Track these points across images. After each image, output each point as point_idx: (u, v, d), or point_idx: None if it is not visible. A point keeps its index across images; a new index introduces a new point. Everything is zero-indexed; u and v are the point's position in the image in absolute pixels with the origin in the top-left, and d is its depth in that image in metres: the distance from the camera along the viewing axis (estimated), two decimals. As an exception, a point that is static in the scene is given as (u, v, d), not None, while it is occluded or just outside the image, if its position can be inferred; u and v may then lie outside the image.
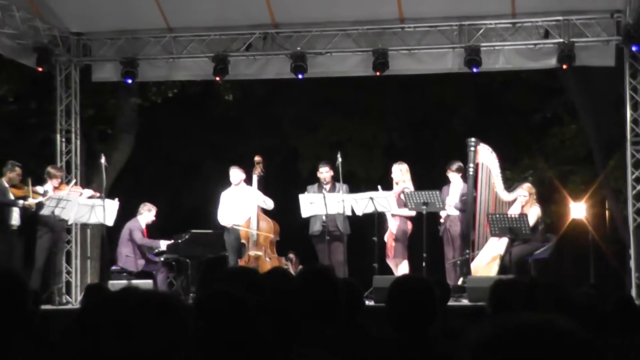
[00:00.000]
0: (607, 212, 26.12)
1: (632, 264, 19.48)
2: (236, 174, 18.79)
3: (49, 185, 17.93)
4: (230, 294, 4.36)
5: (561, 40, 20.18)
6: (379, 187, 18.43)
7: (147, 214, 18.68)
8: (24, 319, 4.73)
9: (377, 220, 18.34)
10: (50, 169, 18.31)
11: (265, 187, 18.76)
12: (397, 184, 18.36)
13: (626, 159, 20.44)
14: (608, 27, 20.15)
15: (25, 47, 20.96)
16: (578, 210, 22.24)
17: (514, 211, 17.57)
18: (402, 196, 18.12)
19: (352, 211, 18.18)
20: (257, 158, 18.78)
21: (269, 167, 19.24)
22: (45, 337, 6.78)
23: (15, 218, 17.46)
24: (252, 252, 18.06)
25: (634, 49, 19.62)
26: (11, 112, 25.55)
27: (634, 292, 17.78)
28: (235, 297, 4.37)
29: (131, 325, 2.88)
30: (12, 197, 17.50)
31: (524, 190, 17.78)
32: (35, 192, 17.63)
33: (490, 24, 20.33)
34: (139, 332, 2.85)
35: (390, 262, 18.25)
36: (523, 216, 17.30)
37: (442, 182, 18.42)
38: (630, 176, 20.10)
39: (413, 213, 18.24)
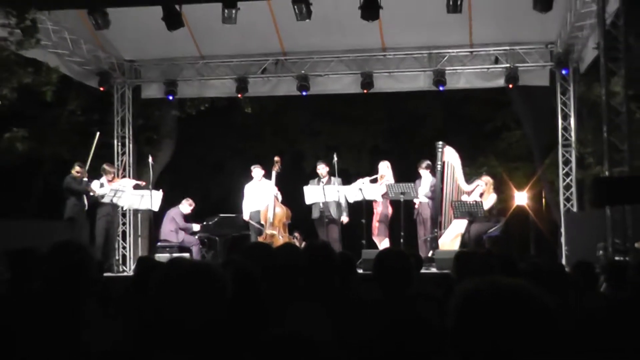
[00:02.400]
0: (543, 199, 26.12)
1: (562, 239, 19.82)
2: (258, 171, 18.88)
3: (104, 179, 18.00)
4: (237, 266, 4.36)
5: (508, 65, 20.35)
6: (366, 180, 18.62)
7: (186, 206, 18.77)
8: (91, 284, 4.73)
9: (364, 206, 18.38)
10: (105, 166, 18.38)
11: (277, 181, 18.79)
12: (381, 177, 18.38)
13: (558, 158, 20.76)
14: (544, 55, 20.41)
15: (90, 72, 21.13)
16: (521, 197, 22.27)
17: (472, 199, 17.63)
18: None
19: (345, 199, 18.25)
20: (276, 158, 18.86)
21: (284, 166, 19.26)
22: (108, 297, 6.77)
23: (85, 204, 17.54)
24: (268, 231, 18.16)
25: (563, 72, 20.13)
26: (79, 122, 25.53)
27: (563, 261, 17.84)
28: (241, 266, 4.37)
29: (178, 285, 2.88)
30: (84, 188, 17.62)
31: (483, 182, 17.85)
32: (94, 184, 17.74)
33: (453, 52, 20.43)
34: (183, 291, 2.86)
35: (375, 239, 18.27)
36: (478, 202, 17.38)
37: (415, 177, 18.44)
38: (561, 171, 20.63)
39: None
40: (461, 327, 2.29)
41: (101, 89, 21.60)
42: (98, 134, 18.54)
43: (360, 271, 12.03)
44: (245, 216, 18.83)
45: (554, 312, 2.29)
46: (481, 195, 17.69)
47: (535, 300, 2.27)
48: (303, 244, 18.15)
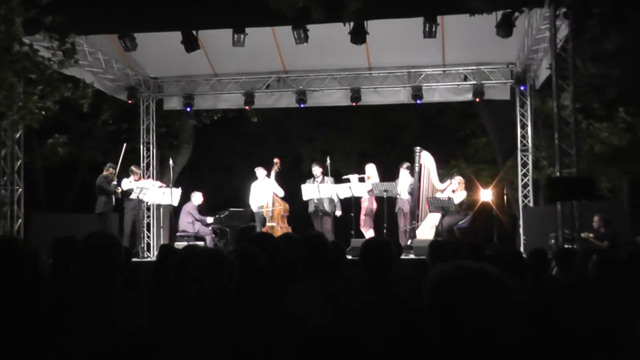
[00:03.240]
0: (505, 196, 26.05)
1: (521, 230, 19.96)
2: (261, 171, 18.89)
3: (131, 178, 18.05)
4: (244, 252, 4.34)
5: (475, 82, 20.39)
6: (353, 178, 18.64)
7: (198, 197, 18.78)
8: (120, 268, 4.72)
9: (353, 202, 18.40)
10: (132, 167, 18.47)
11: (280, 180, 18.81)
12: (368, 178, 18.40)
13: (517, 161, 20.85)
14: (505, 74, 20.46)
15: (120, 87, 21.17)
16: (486, 194, 22.18)
17: (445, 195, 17.67)
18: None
19: (337, 195, 18.26)
20: (275, 160, 18.99)
21: (282, 167, 19.27)
22: (134, 279, 6.76)
23: (113, 201, 17.58)
24: (269, 224, 18.22)
25: (521, 88, 20.25)
26: (111, 130, 25.58)
27: (522, 249, 17.96)
28: (247, 253, 4.35)
29: (192, 268, 2.88)
30: (113, 187, 17.65)
31: (455, 181, 17.92)
32: (123, 183, 17.81)
33: (428, 71, 20.45)
34: (197, 273, 2.85)
35: (362, 230, 18.31)
36: (450, 199, 17.48)
37: (396, 176, 18.45)
38: (520, 172, 20.81)
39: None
40: (434, 304, 2.31)
41: (129, 101, 21.69)
42: (125, 145, 18.53)
43: (349, 257, 12.03)
44: (255, 207, 18.85)
45: (511, 291, 2.30)
46: (453, 192, 17.73)
47: (496, 280, 2.30)
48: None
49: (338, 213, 18.59)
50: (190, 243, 16.55)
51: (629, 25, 15.06)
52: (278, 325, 3.47)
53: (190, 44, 17.42)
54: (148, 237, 21.41)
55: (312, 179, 18.77)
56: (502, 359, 2.25)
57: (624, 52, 17.85)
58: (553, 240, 15.78)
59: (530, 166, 20.45)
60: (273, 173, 18.77)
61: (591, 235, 15.75)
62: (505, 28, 16.02)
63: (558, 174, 15.95)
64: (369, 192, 18.34)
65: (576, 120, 16.19)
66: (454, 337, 2.26)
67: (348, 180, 18.58)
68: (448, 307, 2.28)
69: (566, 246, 14.36)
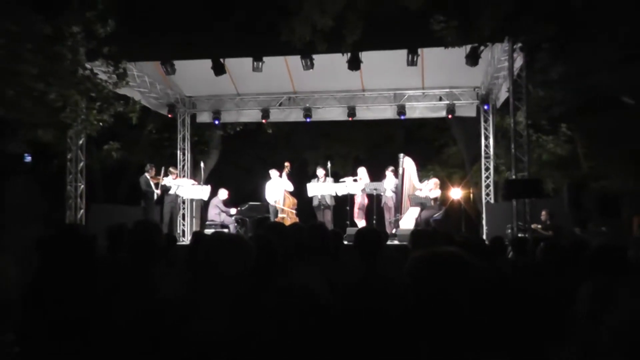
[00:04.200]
0: (471, 194, 25.98)
1: (484, 222, 19.86)
2: (274, 172, 18.85)
3: (170, 177, 18.03)
4: (261, 237, 4.35)
5: (448, 102, 20.33)
6: (349, 179, 18.63)
7: (223, 193, 18.76)
8: (160, 249, 4.72)
9: (349, 198, 18.40)
10: (170, 169, 18.46)
11: (290, 180, 18.80)
12: (360, 179, 18.39)
13: (481, 166, 20.76)
14: (472, 95, 20.40)
15: (162, 104, 21.17)
16: (456, 193, 22.14)
17: (423, 193, 17.64)
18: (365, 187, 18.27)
19: (336, 192, 18.25)
20: (286, 163, 18.96)
21: (292, 169, 19.25)
22: (173, 261, 6.76)
23: (153, 197, 17.58)
24: (280, 215, 18.21)
25: (485, 107, 20.10)
26: (154, 139, 25.61)
27: (484, 236, 17.95)
28: (263, 238, 4.36)
29: (218, 249, 2.88)
30: (152, 185, 17.63)
31: (432, 182, 17.89)
32: (157, 178, 17.78)
33: (411, 92, 20.39)
34: (223, 253, 2.85)
35: (355, 220, 18.30)
36: (427, 196, 17.43)
37: (383, 177, 18.45)
38: (483, 175, 20.69)
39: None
40: (414, 282, 2.31)
41: (169, 115, 21.70)
42: (163, 168, 18.51)
43: (345, 242, 12.06)
44: (270, 201, 18.84)
45: (473, 268, 2.31)
46: (430, 191, 17.70)
47: (462, 260, 2.31)
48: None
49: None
50: (217, 230, 16.56)
51: (570, 58, 15.09)
52: (287, 294, 3.46)
53: (218, 69, 17.47)
54: (183, 225, 21.37)
55: (316, 179, 18.72)
56: (466, 321, 2.26)
57: (566, 79, 17.84)
58: (509, 230, 15.78)
59: (491, 170, 20.42)
60: (284, 174, 18.72)
61: (539, 226, 15.75)
62: (472, 59, 16.04)
63: (513, 176, 15.96)
64: (361, 190, 18.33)
65: (528, 133, 16.18)
66: (429, 305, 2.27)
67: (344, 181, 18.60)
68: (425, 283, 2.29)
69: (519, 235, 14.39)
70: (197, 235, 7.84)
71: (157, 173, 17.96)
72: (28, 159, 21.12)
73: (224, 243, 2.96)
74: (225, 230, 17.33)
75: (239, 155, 29.25)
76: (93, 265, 3.41)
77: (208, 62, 17.34)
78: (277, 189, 18.69)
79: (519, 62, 15.53)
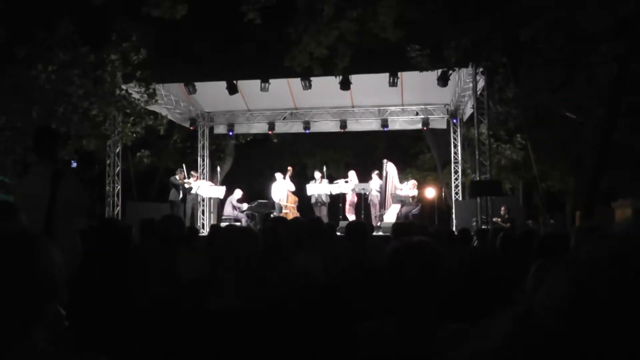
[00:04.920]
0: (443, 193, 26.03)
1: (453, 216, 19.78)
2: (279, 175, 18.81)
3: (192, 179, 17.96)
4: (267, 229, 4.37)
5: (423, 116, 20.33)
6: (341, 181, 18.64)
7: (238, 193, 18.71)
8: (184, 239, 4.75)
9: (341, 197, 18.41)
10: (192, 172, 18.34)
11: (293, 181, 18.76)
12: (350, 180, 18.39)
13: (451, 170, 20.73)
14: (443, 111, 20.41)
15: (185, 118, 21.14)
16: (430, 192, 22.19)
17: (403, 193, 17.61)
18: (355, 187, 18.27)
19: (330, 192, 18.27)
20: (289, 167, 18.93)
21: (294, 172, 19.26)
22: (195, 248, 6.77)
23: (180, 195, 17.49)
24: (284, 211, 18.17)
25: (454, 121, 20.12)
26: (179, 147, 25.67)
27: (454, 228, 17.86)
28: (270, 229, 4.37)
29: (233, 237, 2.91)
30: (179, 185, 17.61)
31: (410, 183, 17.85)
32: (188, 182, 17.68)
33: (392, 108, 20.40)
34: (234, 241, 2.87)
35: (347, 215, 18.26)
36: (407, 195, 17.38)
37: (370, 179, 18.45)
38: (453, 177, 20.62)
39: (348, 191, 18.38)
40: (391, 265, 2.34)
41: (191, 128, 21.66)
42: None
43: (338, 234, 12.06)
44: (276, 199, 18.80)
45: (441, 255, 2.34)
46: (409, 190, 17.69)
47: (432, 248, 2.33)
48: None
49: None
50: (231, 223, 16.56)
51: (522, 81, 15.15)
52: (289, 275, 3.49)
53: (232, 89, 17.51)
54: (202, 219, 21.35)
55: (314, 181, 18.72)
56: (434, 300, 2.29)
57: (519, 98, 17.92)
58: (474, 223, 15.80)
59: (459, 173, 20.41)
60: (287, 176, 18.69)
61: (499, 219, 15.76)
62: (443, 81, 16.06)
63: (477, 178, 16.00)
64: (352, 190, 18.34)
65: (489, 142, 16.24)
66: (403, 285, 2.29)
67: (337, 182, 18.61)
68: (399, 267, 2.32)
69: (482, 227, 14.39)
70: (214, 228, 7.87)
71: (183, 177, 17.99)
72: (74, 164, 21.13)
73: (235, 233, 2.99)
74: (238, 223, 17.33)
75: (249, 160, 29.22)
76: (127, 251, 3.45)
77: (223, 84, 17.42)
78: (282, 189, 18.67)
79: (481, 83, 15.60)
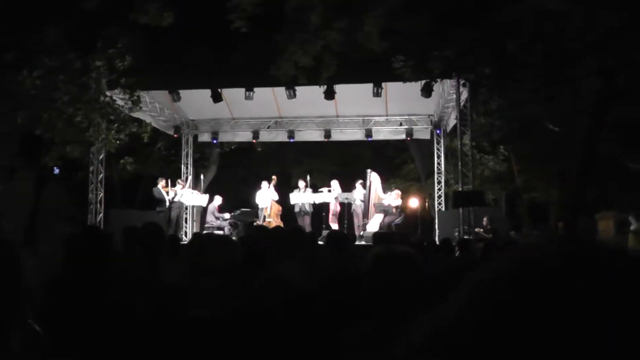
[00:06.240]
0: (426, 203, 26.13)
1: (436, 226, 19.84)
2: (264, 184, 18.80)
3: (177, 187, 17.94)
4: (248, 237, 4.38)
5: (407, 126, 20.43)
6: (325, 190, 18.67)
7: (218, 200, 18.71)
8: (164, 247, 4.76)
9: (325, 206, 18.45)
10: (178, 180, 18.37)
11: (277, 189, 18.76)
12: (333, 189, 18.44)
13: (434, 180, 20.78)
14: (427, 121, 20.55)
15: (169, 125, 21.15)
16: (414, 202, 22.30)
17: (386, 202, 17.65)
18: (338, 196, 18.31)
19: (314, 201, 18.32)
20: (273, 176, 18.97)
21: (279, 181, 19.25)
22: (176, 253, 6.76)
23: (166, 204, 17.43)
24: (268, 219, 18.15)
25: (437, 131, 20.24)
26: (163, 154, 25.62)
27: (436, 238, 17.93)
28: (250, 238, 4.39)
29: (210, 245, 2.92)
30: (164, 194, 17.52)
31: (394, 193, 17.91)
32: (173, 190, 17.66)
33: (376, 118, 20.48)
34: (216, 250, 2.89)
35: (330, 224, 18.28)
36: (390, 205, 17.43)
37: (354, 189, 18.50)
38: (436, 187, 20.67)
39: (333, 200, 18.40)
40: (372, 271, 2.36)
41: (175, 136, 21.67)
42: (170, 180, 18.44)
43: (321, 242, 12.09)
44: (260, 207, 18.77)
45: (419, 263, 2.36)
46: (392, 200, 17.74)
47: (409, 256, 2.35)
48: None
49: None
50: (214, 232, 16.56)
51: (506, 93, 15.25)
52: (271, 283, 3.50)
53: (216, 97, 17.51)
54: (186, 226, 21.29)
55: (297, 190, 18.76)
56: (414, 306, 2.31)
57: (503, 110, 18.05)
58: (457, 233, 15.85)
59: (443, 184, 20.50)
60: (272, 185, 18.70)
61: (481, 230, 15.83)
62: (426, 92, 16.15)
63: (460, 189, 16.08)
64: (335, 199, 18.36)
65: (472, 153, 16.35)
66: (384, 291, 2.31)
67: (321, 191, 18.64)
68: (380, 274, 2.34)
69: (465, 237, 14.45)
70: (195, 236, 7.88)
71: (167, 184, 17.92)
72: (56, 171, 21.11)
73: (213, 241, 3.01)
74: (220, 232, 17.31)
75: (233, 169, 29.18)
76: (108, 258, 3.44)
77: (208, 92, 17.41)
78: (266, 198, 18.67)
79: (464, 95, 15.70)
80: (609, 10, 10.64)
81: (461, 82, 15.21)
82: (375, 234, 6.99)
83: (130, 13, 12.81)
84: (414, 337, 0.88)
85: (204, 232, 16.89)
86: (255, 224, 16.89)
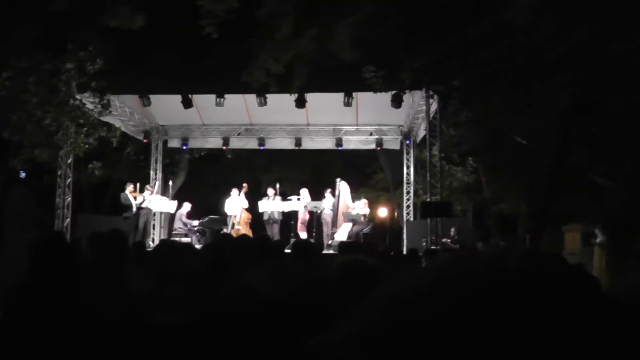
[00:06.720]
0: (394, 213, 26.25)
1: (404, 236, 19.84)
2: (234, 191, 18.71)
3: (146, 193, 17.81)
4: (212, 245, 4.39)
5: (377, 136, 20.51)
6: (294, 198, 18.67)
7: (187, 207, 18.62)
8: (129, 253, 4.75)
9: (293, 214, 18.47)
10: (146, 186, 18.24)
11: (247, 197, 18.70)
12: (302, 198, 18.46)
13: (403, 190, 20.86)
14: (397, 131, 20.63)
15: (139, 130, 20.97)
16: (382, 212, 22.38)
17: (355, 212, 17.69)
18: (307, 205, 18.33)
19: (283, 209, 18.32)
20: (244, 184, 18.84)
21: (249, 188, 19.18)
22: (142, 260, 6.73)
23: (134, 209, 17.28)
24: (237, 227, 18.07)
25: (407, 142, 20.30)
26: (132, 159, 25.36)
27: (404, 249, 18.00)
28: (216, 245, 4.40)
29: (180, 253, 2.93)
30: (132, 199, 17.37)
31: (362, 202, 17.97)
32: (142, 195, 17.55)
33: (347, 128, 20.55)
34: (179, 257, 2.90)
35: (299, 232, 18.27)
36: (358, 214, 17.49)
37: (323, 197, 18.50)
38: (405, 197, 20.72)
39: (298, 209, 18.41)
40: (336, 279, 2.39)
41: (144, 141, 21.52)
42: (139, 185, 18.31)
43: (287, 251, 12.08)
44: (229, 214, 18.69)
45: (380, 273, 2.40)
46: (360, 209, 17.78)
47: (369, 266, 2.39)
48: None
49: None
50: (181, 239, 16.50)
51: (475, 105, 15.42)
52: (237, 292, 3.51)
53: (187, 103, 17.48)
54: (154, 233, 21.12)
55: (266, 198, 18.74)
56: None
57: (472, 122, 18.23)
58: (424, 243, 15.95)
59: (411, 194, 20.59)
60: (242, 192, 18.63)
61: (448, 240, 15.95)
62: (396, 102, 16.26)
63: (428, 199, 16.19)
64: (304, 207, 18.38)
65: (441, 164, 16.52)
66: (347, 298, 2.35)
67: (290, 200, 18.64)
68: (343, 281, 2.38)
69: (432, 247, 14.56)
70: (163, 242, 7.85)
71: (135, 190, 17.79)
72: (22, 174, 20.91)
73: (176, 249, 3.02)
74: (188, 239, 17.23)
75: (203, 175, 29.03)
76: (72, 264, 3.44)
77: (178, 97, 17.36)
78: (236, 205, 18.58)
79: (434, 106, 15.83)
80: (576, 24, 10.82)
81: (431, 94, 15.35)
82: (340, 244, 7.03)
83: (99, 15, 12.76)
84: (335, 335, 0.89)
85: (172, 238, 16.83)
86: (222, 231, 16.86)
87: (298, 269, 5.50)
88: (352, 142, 21.25)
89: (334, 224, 18.24)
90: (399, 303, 0.81)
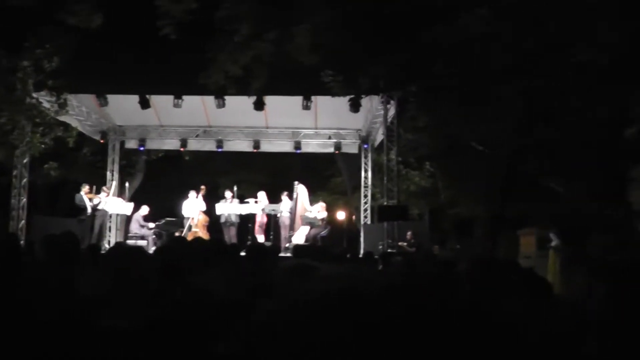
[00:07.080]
0: (352, 216, 26.33)
1: (362, 239, 19.85)
2: (192, 194, 18.61)
3: (102, 195, 17.56)
4: (164, 248, 4.39)
5: (336, 140, 20.58)
6: (251, 201, 18.63)
7: (144, 209, 18.42)
8: (80, 256, 4.73)
9: (251, 217, 18.43)
10: (103, 188, 18.02)
11: (205, 200, 18.58)
12: (260, 201, 18.44)
13: (361, 194, 20.99)
14: (355, 136, 20.69)
15: (96, 130, 20.75)
16: (340, 215, 22.46)
17: (313, 215, 17.70)
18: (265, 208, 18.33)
19: (240, 212, 18.28)
20: (202, 186, 18.66)
21: (207, 191, 19.06)
22: (97, 261, 6.68)
23: (89, 211, 17.01)
24: (194, 229, 17.95)
25: (365, 146, 20.45)
26: (89, 160, 25.09)
27: (361, 251, 18.07)
28: (167, 248, 4.40)
29: (132, 256, 2.93)
30: (86, 201, 17.10)
31: (319, 205, 17.99)
32: (98, 197, 17.31)
33: (305, 131, 20.53)
34: (129, 260, 2.90)
35: (256, 235, 18.23)
36: (316, 217, 17.50)
37: (280, 200, 18.45)
38: (362, 201, 20.83)
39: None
40: (280, 283, 2.43)
41: (101, 141, 21.26)
42: (95, 187, 18.08)
43: (243, 253, 12.07)
44: (186, 217, 18.57)
45: (326, 277, 2.44)
46: (318, 212, 17.79)
47: (316, 270, 2.43)
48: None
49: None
50: (137, 242, 16.36)
51: (433, 111, 15.57)
52: (189, 294, 3.52)
53: (144, 104, 17.37)
54: (110, 235, 20.79)
55: (224, 200, 18.64)
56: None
57: (429, 127, 18.40)
58: (380, 247, 16.04)
59: (369, 197, 20.67)
60: (200, 195, 18.50)
61: (405, 243, 16.05)
62: (355, 106, 16.35)
63: (386, 203, 16.31)
64: (261, 210, 18.35)
65: (398, 169, 16.65)
66: (289, 299, 2.39)
67: (248, 202, 18.59)
68: (285, 283, 2.41)
69: (389, 250, 14.66)
70: (118, 245, 7.81)
71: (91, 191, 17.54)
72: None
73: (128, 252, 3.03)
74: (144, 241, 17.09)
75: (160, 177, 28.76)
76: (20, 267, 3.42)
77: (136, 97, 17.25)
78: (193, 208, 18.46)
79: (392, 111, 15.97)
80: (531, 33, 11.02)
81: (388, 99, 15.48)
82: (295, 247, 7.08)
83: (58, 13, 12.62)
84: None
85: (128, 241, 16.67)
86: (177, 234, 16.75)
87: (252, 272, 5.53)
88: (311, 146, 21.27)
89: (292, 227, 18.20)
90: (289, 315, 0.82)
